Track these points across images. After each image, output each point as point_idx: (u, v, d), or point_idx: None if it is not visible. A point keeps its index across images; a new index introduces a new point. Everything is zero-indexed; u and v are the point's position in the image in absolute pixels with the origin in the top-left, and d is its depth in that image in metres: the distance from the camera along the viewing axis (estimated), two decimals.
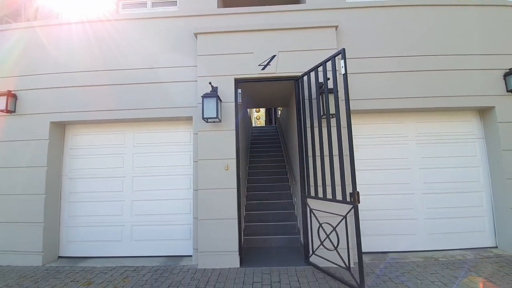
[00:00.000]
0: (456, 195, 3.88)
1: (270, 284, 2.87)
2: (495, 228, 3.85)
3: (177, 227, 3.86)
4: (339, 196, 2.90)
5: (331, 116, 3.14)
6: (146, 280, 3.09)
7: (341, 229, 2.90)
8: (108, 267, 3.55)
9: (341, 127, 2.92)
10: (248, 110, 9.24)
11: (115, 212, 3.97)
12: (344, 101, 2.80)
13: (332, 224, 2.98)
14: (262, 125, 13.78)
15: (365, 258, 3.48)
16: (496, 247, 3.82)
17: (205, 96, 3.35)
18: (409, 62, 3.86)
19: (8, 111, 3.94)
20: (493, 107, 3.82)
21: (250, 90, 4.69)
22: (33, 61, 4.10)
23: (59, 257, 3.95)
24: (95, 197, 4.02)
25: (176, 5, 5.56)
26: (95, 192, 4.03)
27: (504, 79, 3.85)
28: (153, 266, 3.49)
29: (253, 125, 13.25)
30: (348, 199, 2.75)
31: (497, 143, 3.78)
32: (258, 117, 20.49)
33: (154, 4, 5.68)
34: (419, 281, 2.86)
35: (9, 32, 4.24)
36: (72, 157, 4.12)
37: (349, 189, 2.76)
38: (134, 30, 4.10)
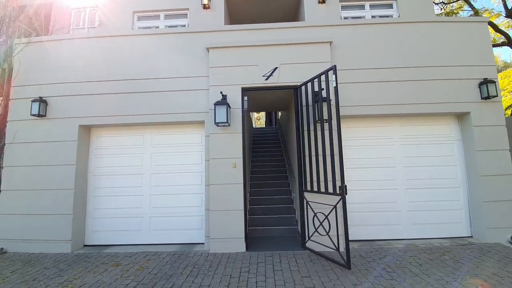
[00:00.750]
0: (436, 190, 4.40)
1: (272, 264, 3.40)
2: (470, 219, 4.37)
3: (190, 218, 4.39)
4: (330, 189, 3.43)
5: (324, 121, 3.66)
6: (166, 262, 3.62)
7: (332, 217, 3.43)
8: (130, 252, 4.07)
9: (333, 130, 3.44)
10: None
11: (135, 205, 4.50)
12: (338, 108, 3.32)
13: (325, 213, 3.51)
14: (262, 126, 14.30)
15: (354, 245, 4.00)
16: (472, 236, 4.34)
17: (217, 103, 3.88)
18: (394, 73, 4.38)
19: (40, 115, 4.47)
20: (469, 113, 4.34)
21: (255, 97, 5.21)
22: (61, 70, 4.62)
23: (85, 245, 4.47)
24: (117, 192, 4.55)
25: (187, 17, 6.12)
26: (117, 188, 4.56)
27: (479, 87, 4.37)
28: (171, 251, 4.01)
29: (254, 125, 13.77)
30: (337, 191, 3.28)
31: (472, 144, 4.30)
32: (259, 117, 21.01)
33: (166, 16, 6.23)
34: (398, 262, 3.39)
35: (40, 44, 4.76)
36: (97, 156, 4.65)
37: (338, 183, 3.29)
38: (152, 44, 4.63)
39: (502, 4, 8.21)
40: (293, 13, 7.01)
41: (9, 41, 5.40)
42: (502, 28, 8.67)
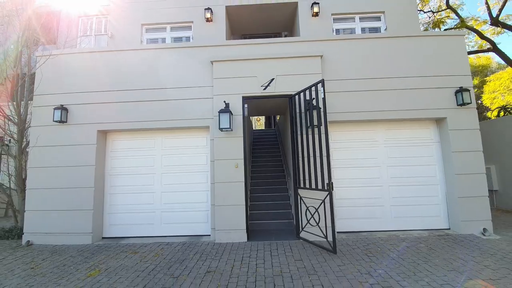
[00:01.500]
0: (416, 187, 4.92)
1: (270, 251, 3.92)
2: (448, 213, 4.89)
3: (197, 212, 4.91)
4: (320, 186, 3.95)
5: (314, 126, 4.18)
6: (178, 250, 4.14)
7: (321, 210, 3.95)
8: (145, 243, 4.60)
9: (322, 134, 3.96)
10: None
11: (147, 201, 5.02)
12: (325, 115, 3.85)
13: (315, 207, 4.03)
14: (262, 128, 14.80)
15: (342, 235, 4.53)
16: (449, 228, 4.85)
17: (221, 111, 4.41)
18: (379, 83, 4.90)
19: (61, 122, 5.00)
20: (445, 118, 4.86)
21: (254, 104, 5.73)
22: (80, 80, 5.14)
23: (103, 237, 5.00)
24: (131, 190, 5.07)
25: (191, 30, 6.65)
26: (131, 186, 5.09)
27: (455, 95, 4.88)
28: (181, 242, 4.54)
29: (254, 127, 14.29)
30: (325, 188, 3.80)
31: (448, 146, 4.82)
32: (259, 119, 21.52)
33: (172, 29, 6.76)
34: (379, 249, 3.91)
35: (60, 56, 5.28)
36: (112, 158, 5.18)
37: (327, 181, 3.81)
38: (161, 57, 5.15)
39: (487, 13, 8.71)
40: (289, 24, 7.53)
41: (24, 50, 5.90)
42: (488, 35, 9.19)
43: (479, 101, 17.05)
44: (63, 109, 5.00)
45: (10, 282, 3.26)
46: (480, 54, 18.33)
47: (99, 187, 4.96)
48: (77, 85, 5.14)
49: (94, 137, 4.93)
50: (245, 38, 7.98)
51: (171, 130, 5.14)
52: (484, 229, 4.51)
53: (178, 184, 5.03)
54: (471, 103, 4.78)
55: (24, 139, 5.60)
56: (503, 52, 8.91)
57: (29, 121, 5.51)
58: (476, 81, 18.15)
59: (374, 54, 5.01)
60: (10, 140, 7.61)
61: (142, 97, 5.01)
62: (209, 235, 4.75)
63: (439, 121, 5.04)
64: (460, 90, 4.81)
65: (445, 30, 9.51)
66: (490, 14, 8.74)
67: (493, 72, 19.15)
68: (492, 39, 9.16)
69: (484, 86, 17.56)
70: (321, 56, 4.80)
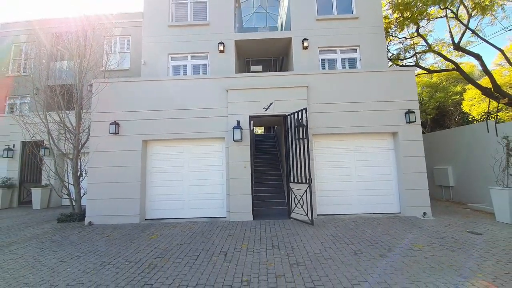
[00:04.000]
0: (377, 182, 6.70)
1: (269, 225, 5.70)
2: (399, 201, 6.67)
3: (216, 200, 6.69)
4: (303, 180, 5.73)
5: (301, 139, 5.94)
6: (204, 225, 5.91)
7: (304, 197, 5.73)
8: (178, 222, 6.35)
9: (305, 144, 5.72)
10: None
11: (178, 192, 6.78)
12: (309, 131, 5.62)
13: (301, 195, 5.81)
14: (263, 133, 16.55)
15: (321, 217, 6.30)
16: (400, 212, 6.62)
17: (234, 127, 6.19)
18: (350, 106, 6.66)
19: (115, 133, 6.74)
20: (398, 132, 6.64)
21: (258, 120, 7.48)
22: (127, 101, 6.88)
23: (146, 219, 6.75)
24: (166, 184, 6.83)
25: (207, 58, 8.41)
26: (166, 181, 6.84)
27: (405, 115, 6.66)
28: (204, 221, 6.31)
29: (255, 130, 16.02)
30: (307, 181, 5.58)
31: (399, 152, 6.59)
32: None
33: (192, 57, 8.52)
34: (344, 224, 5.69)
35: (111, 83, 7.01)
36: (151, 160, 6.93)
37: (308, 177, 5.58)
38: (188, 85, 6.90)
39: (451, 40, 10.51)
40: (285, 51, 9.32)
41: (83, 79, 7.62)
42: (452, 57, 10.98)
43: (461, 107, 18.78)
44: (116, 124, 6.75)
45: (98, 243, 5.00)
46: (463, 62, 19.58)
47: (143, 181, 6.72)
48: (125, 106, 6.88)
49: (139, 145, 6.68)
50: (249, 61, 9.73)
51: (195, 140, 6.89)
52: (424, 213, 6.29)
53: (201, 179, 6.79)
54: (415, 121, 6.56)
55: (80, 145, 7.33)
56: (464, 71, 10.72)
57: (82, 130, 7.26)
58: (458, 88, 19.52)
59: (347, 84, 6.78)
60: (50, 144, 9.44)
61: (173, 115, 6.75)
62: (225, 216, 6.52)
63: (393, 134, 6.83)
64: (408, 112, 6.59)
65: (416, 53, 11.31)
66: (453, 41, 10.53)
67: (476, 79, 20.81)
68: (456, 60, 10.96)
69: (464, 94, 19.17)
70: (307, 87, 6.57)
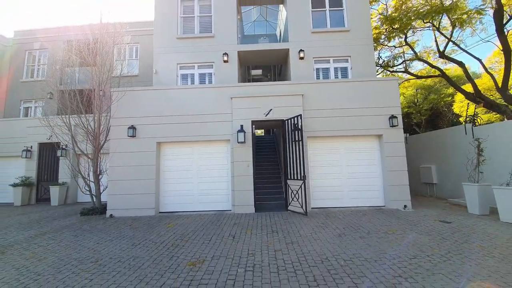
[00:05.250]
0: (364, 179, 7.58)
1: (269, 216, 6.58)
2: (384, 196, 7.55)
3: (222, 195, 7.55)
4: (299, 177, 6.60)
5: (297, 141, 6.82)
6: (213, 216, 6.78)
7: (300, 192, 6.60)
8: (189, 214, 7.22)
9: (301, 146, 6.60)
10: None
11: (188, 188, 7.65)
12: (304, 134, 6.50)
13: (297, 190, 6.69)
14: (262, 134, 17.41)
15: (315, 210, 7.18)
16: (384, 206, 7.50)
17: (238, 131, 7.06)
18: (342, 111, 7.53)
19: (132, 136, 7.60)
20: (382, 135, 7.51)
21: (259, 124, 8.35)
22: (143, 108, 7.74)
23: (160, 212, 7.61)
24: (177, 181, 7.69)
25: (213, 68, 9.28)
26: (177, 178, 7.71)
27: (389, 120, 7.54)
28: (212, 214, 7.18)
29: (256, 133, 16.92)
30: (302, 178, 6.46)
31: (384, 153, 7.48)
32: None
33: (199, 66, 9.39)
34: (334, 215, 6.57)
35: (128, 92, 7.86)
36: (164, 160, 7.80)
37: (303, 174, 6.45)
38: (197, 93, 7.77)
39: (436, 48, 11.40)
40: (283, 60, 10.20)
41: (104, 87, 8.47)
42: (439, 64, 11.87)
43: (452, 108, 19.63)
44: (133, 128, 7.61)
45: (124, 231, 5.85)
46: (451, 68, 20.44)
47: (157, 179, 7.58)
48: (141, 112, 7.74)
49: (154, 146, 7.55)
50: (250, 68, 10.58)
51: (204, 142, 7.76)
52: (405, 206, 7.17)
53: (209, 177, 7.66)
54: (398, 125, 7.44)
55: (99, 145, 8.19)
56: (449, 77, 11.62)
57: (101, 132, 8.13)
58: (450, 90, 20.26)
59: (338, 92, 7.66)
60: (66, 145, 10.31)
61: (183, 120, 7.62)
62: (230, 210, 7.40)
63: (379, 137, 7.71)
64: (392, 117, 7.47)
65: (404, 60, 12.20)
66: (438, 49, 11.42)
67: (466, 82, 21.64)
68: (442, 67, 11.85)
69: (455, 96, 20.03)
70: (302, 95, 7.45)
